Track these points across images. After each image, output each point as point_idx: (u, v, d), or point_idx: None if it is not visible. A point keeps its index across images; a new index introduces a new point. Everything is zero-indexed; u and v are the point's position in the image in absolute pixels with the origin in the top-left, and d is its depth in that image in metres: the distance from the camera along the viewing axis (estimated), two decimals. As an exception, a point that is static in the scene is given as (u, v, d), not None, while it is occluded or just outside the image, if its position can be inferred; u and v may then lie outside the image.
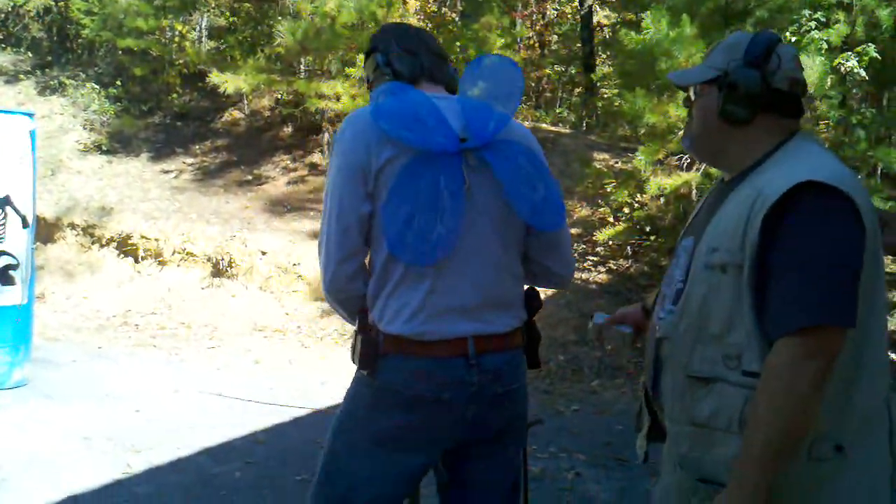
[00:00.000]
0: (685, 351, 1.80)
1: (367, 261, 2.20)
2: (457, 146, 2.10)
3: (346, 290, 2.16)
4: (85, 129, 13.15)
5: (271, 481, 4.66)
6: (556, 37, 20.29)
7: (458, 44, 12.19)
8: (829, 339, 1.62)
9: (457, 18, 15.64)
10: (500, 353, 2.16)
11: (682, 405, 1.81)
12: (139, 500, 4.30)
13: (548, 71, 18.09)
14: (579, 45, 16.67)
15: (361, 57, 11.19)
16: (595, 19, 17.46)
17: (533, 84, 17.71)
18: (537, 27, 19.77)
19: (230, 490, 4.49)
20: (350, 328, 2.36)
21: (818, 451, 1.69)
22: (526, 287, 2.32)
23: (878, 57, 8.12)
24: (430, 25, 14.27)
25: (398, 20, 12.76)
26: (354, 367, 2.21)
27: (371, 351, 2.11)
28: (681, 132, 8.20)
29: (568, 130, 13.80)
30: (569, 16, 20.33)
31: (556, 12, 20.50)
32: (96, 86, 13.76)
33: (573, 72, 18.04)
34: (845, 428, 1.71)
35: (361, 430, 2.15)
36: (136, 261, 10.29)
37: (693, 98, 1.96)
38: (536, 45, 19.39)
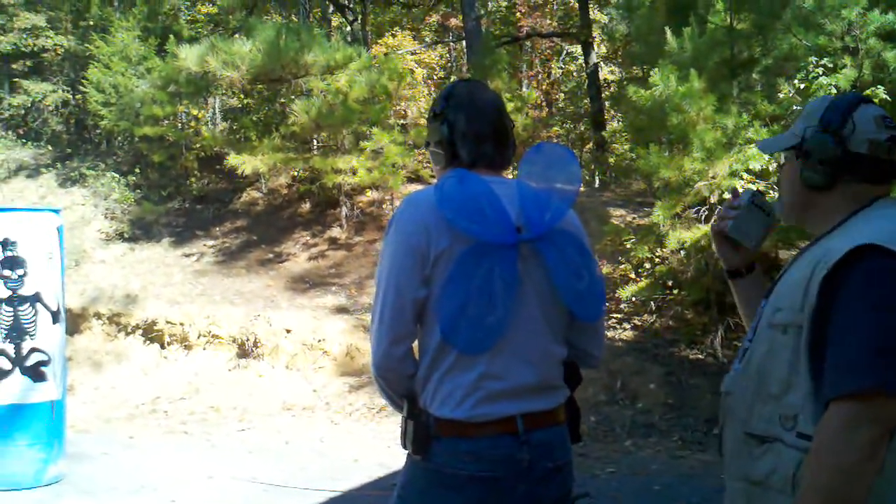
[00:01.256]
0: (745, 408, 1.81)
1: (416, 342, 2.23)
2: (514, 238, 2.14)
3: (396, 369, 2.18)
4: (106, 218, 13.33)
5: (311, 567, 4.62)
6: (562, 95, 20.53)
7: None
8: (884, 405, 1.56)
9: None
10: (548, 429, 2.19)
11: (739, 462, 1.82)
12: None
13: (557, 129, 18.29)
14: (586, 101, 16.83)
15: (375, 130, 11.49)
16: (601, 76, 17.66)
17: (544, 143, 17.86)
18: (543, 87, 20.03)
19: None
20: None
21: None
22: (566, 363, 2.33)
23: (889, 98, 8.14)
24: (434, 94, 14.49)
25: (409, 93, 13.04)
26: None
27: (423, 434, 2.13)
28: (697, 184, 8.25)
29: (581, 189, 13.84)
30: (574, 74, 20.60)
31: (560, 71, 20.77)
32: (116, 174, 13.98)
33: (582, 129, 18.21)
34: None
35: None
36: (163, 346, 10.33)
37: (783, 163, 1.98)
38: (543, 104, 19.63)
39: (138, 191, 13.82)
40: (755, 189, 2.12)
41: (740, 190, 2.23)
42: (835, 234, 1.79)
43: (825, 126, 1.81)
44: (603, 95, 16.43)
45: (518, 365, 2.14)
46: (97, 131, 15.47)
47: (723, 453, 1.98)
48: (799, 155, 1.86)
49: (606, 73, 19.28)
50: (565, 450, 2.25)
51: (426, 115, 2.41)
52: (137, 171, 14.13)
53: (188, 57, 12.10)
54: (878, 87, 8.04)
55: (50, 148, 15.35)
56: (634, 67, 14.26)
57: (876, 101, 7.86)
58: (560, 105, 20.32)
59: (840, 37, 8.47)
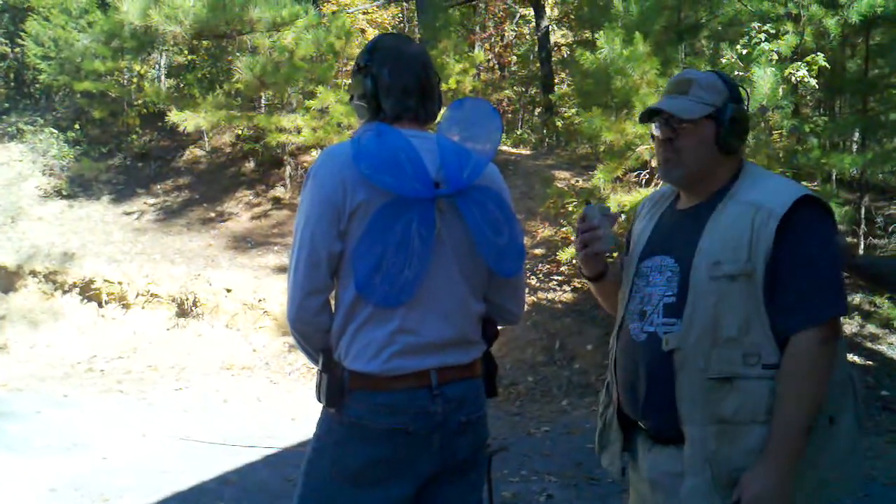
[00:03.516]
0: (702, 356, 1.98)
1: (332, 296, 2.22)
2: (432, 193, 2.14)
3: (312, 322, 2.17)
4: (44, 174, 13.02)
5: (240, 523, 4.61)
6: (515, 58, 20.47)
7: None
8: (837, 326, 1.99)
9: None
10: (462, 382, 2.21)
11: (704, 406, 1.97)
12: (105, 550, 4.24)
13: (508, 93, 18.23)
14: (538, 65, 16.80)
15: (321, 88, 11.35)
16: (552, 39, 17.62)
17: (493, 106, 17.84)
18: (496, 49, 19.94)
19: (199, 535, 4.45)
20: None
21: (818, 422, 1.96)
22: (484, 319, 2.36)
23: (828, 65, 8.25)
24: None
25: (357, 50, 12.83)
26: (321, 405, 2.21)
27: (337, 388, 2.14)
28: (639, 148, 8.28)
29: (529, 151, 13.88)
30: (527, 37, 20.53)
31: (514, 34, 20.69)
32: (55, 130, 13.64)
33: (533, 93, 18.19)
34: (832, 401, 1.99)
35: (333, 468, 2.16)
36: (100, 305, 10.17)
37: (677, 130, 2.11)
38: (496, 67, 19.55)
39: (78, 147, 13.50)
40: (590, 203, 2.24)
41: (593, 204, 2.35)
42: (738, 190, 2.07)
43: (737, 98, 2.12)
44: (553, 59, 16.41)
45: (434, 319, 2.16)
46: (36, 86, 15.06)
47: (605, 442, 2.31)
48: (722, 122, 2.09)
49: (559, 36, 19.24)
50: (479, 403, 2.28)
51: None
52: (77, 127, 13.78)
53: (130, 10, 11.75)
54: (819, 53, 8.14)
55: (-14, 102, 14.95)
56: (584, 31, 14.26)
57: (816, 67, 8.01)
58: (513, 68, 20.25)
59: (783, 3, 8.54)
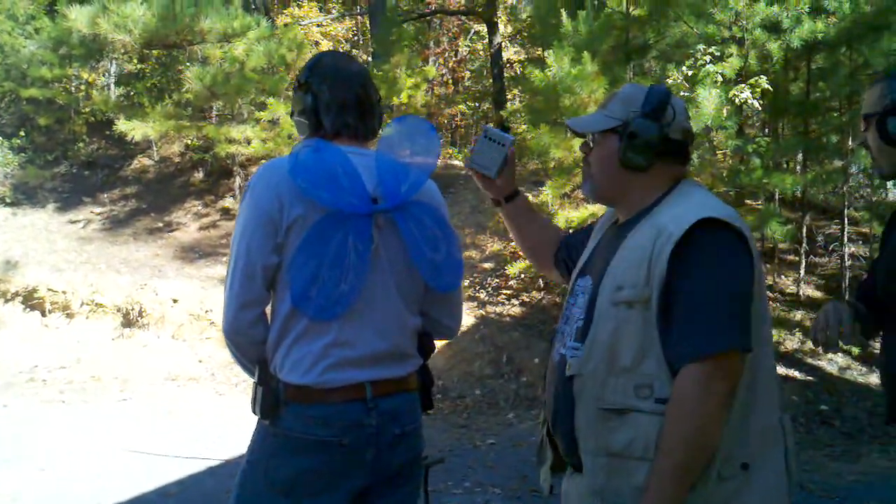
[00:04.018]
0: (597, 385, 1.88)
1: (268, 309, 2.24)
2: (369, 208, 2.17)
3: (247, 334, 2.19)
4: (-13, 181, 12.84)
5: (181, 534, 4.58)
6: (469, 73, 20.62)
7: (369, 84, 12.31)
8: (732, 363, 1.79)
9: (368, 59, 15.78)
10: (396, 396, 2.23)
11: (596, 438, 1.88)
12: (42, 562, 4.19)
13: (462, 107, 18.34)
14: (490, 81, 16.96)
15: (271, 101, 11.34)
16: (505, 56, 17.79)
17: (446, 121, 17.94)
18: (450, 64, 20.07)
19: (138, 546, 4.41)
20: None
21: (726, 470, 1.82)
22: (421, 333, 2.39)
23: (771, 88, 8.47)
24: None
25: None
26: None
27: (272, 400, 2.16)
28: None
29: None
30: (481, 53, 20.69)
31: (468, 49, 20.84)
32: (-1, 137, 13.47)
33: (486, 108, 18.33)
34: (748, 448, 1.84)
35: (266, 480, 2.17)
36: (44, 314, 10.01)
37: (591, 145, 2.08)
38: (450, 82, 19.67)
39: (23, 154, 13.36)
40: (489, 125, 2.28)
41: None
42: (659, 210, 1.94)
43: (648, 113, 1.97)
44: (506, 76, 16.58)
45: (369, 333, 2.19)
46: (-20, 91, 14.85)
47: (542, 458, 2.16)
48: (623, 137, 1.99)
49: (512, 53, 19.42)
50: (414, 416, 2.30)
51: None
52: (22, 133, 13.64)
53: (78, 18, 11.62)
54: (762, 76, 8.36)
55: (-72, 107, 14.69)
56: (536, 48, 14.44)
57: (758, 90, 8.22)
58: (467, 83, 20.39)
59: (728, 26, 8.76)
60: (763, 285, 1.92)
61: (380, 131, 2.40)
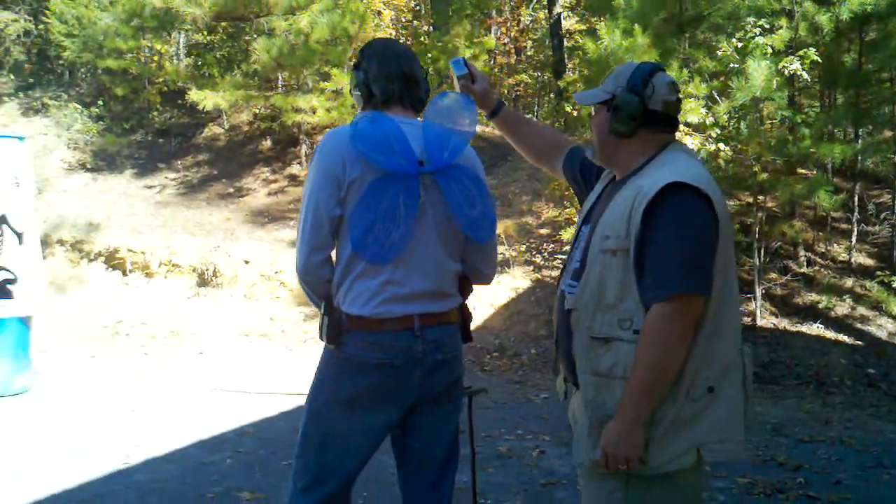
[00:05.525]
0: (588, 317, 2.27)
1: (333, 253, 2.67)
2: (416, 170, 2.58)
3: (316, 274, 2.62)
4: (69, 148, 13.51)
5: (260, 466, 5.07)
6: (530, 43, 20.71)
7: (428, 55, 12.64)
8: (691, 303, 2.14)
9: (430, 29, 16.07)
10: (439, 327, 2.64)
11: (587, 360, 2.28)
12: (138, 485, 4.71)
13: (524, 77, 18.51)
14: (551, 51, 17.10)
15: (335, 71, 11.75)
16: (565, 26, 17.88)
17: (506, 90, 18.15)
18: (512, 34, 20.18)
19: (221, 475, 4.90)
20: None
21: (694, 392, 2.19)
22: (461, 276, 2.82)
23: (819, 60, 8.62)
24: (402, 37, 14.63)
25: (372, 35, 13.16)
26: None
27: (336, 328, 2.59)
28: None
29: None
30: (542, 22, 20.71)
31: (530, 19, 20.91)
32: (79, 106, 14.12)
33: (547, 77, 18.44)
34: (712, 373, 2.21)
35: (331, 395, 2.62)
36: (124, 274, 10.67)
37: (593, 115, 2.48)
38: (512, 51, 19.82)
39: (101, 122, 13.97)
40: (458, 58, 2.93)
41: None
42: (643, 173, 2.31)
43: (630, 88, 2.31)
44: (566, 45, 16.72)
45: (416, 275, 2.60)
46: (60, 62, 15.45)
47: (556, 370, 2.57)
48: (609, 109, 2.35)
49: (572, 23, 19.47)
50: (454, 345, 2.71)
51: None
52: (100, 103, 14.26)
53: (151, -9, 12.18)
54: (811, 48, 8.51)
55: (12, 77, 15.38)
56: (594, 19, 14.56)
57: (808, 61, 8.37)
58: (529, 52, 20.50)
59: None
60: (730, 239, 2.27)
61: (427, 100, 2.80)
